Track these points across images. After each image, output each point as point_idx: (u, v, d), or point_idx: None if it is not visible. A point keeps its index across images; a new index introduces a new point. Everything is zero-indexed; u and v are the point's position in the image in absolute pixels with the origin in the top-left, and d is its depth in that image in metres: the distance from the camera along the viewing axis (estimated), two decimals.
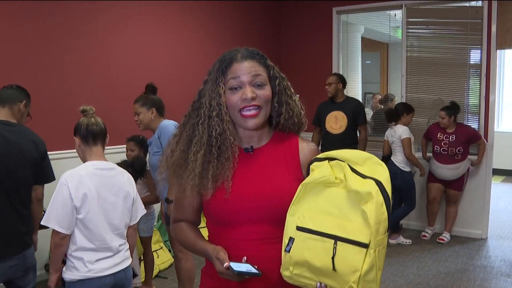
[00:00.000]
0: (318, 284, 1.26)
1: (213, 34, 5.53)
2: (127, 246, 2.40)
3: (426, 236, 5.35)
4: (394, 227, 5.04)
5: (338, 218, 1.24)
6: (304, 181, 1.31)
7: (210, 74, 1.42)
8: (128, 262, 2.38)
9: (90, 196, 2.20)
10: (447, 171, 5.09)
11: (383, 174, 1.27)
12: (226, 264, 1.28)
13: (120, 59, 4.54)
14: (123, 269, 2.33)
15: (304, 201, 1.30)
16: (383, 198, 1.22)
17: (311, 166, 1.34)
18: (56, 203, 2.17)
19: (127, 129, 4.03)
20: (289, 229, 1.29)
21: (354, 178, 1.25)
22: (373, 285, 1.21)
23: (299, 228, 1.27)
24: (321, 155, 1.35)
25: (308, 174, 1.36)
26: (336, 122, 5.10)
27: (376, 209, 1.19)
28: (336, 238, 1.21)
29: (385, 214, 1.21)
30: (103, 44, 4.38)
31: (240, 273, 1.25)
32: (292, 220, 1.30)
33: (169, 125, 3.21)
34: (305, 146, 1.47)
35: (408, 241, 4.97)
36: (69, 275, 2.22)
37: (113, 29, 4.47)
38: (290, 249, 1.27)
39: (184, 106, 1.48)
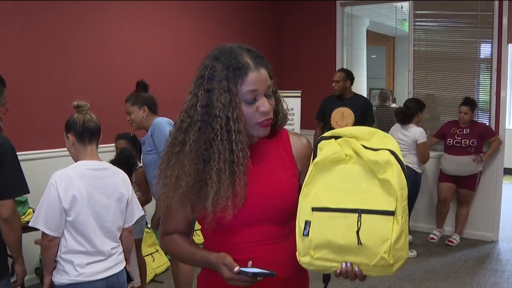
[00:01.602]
0: (344, 264, 1.23)
1: (210, 27, 5.51)
2: (120, 249, 2.38)
3: (434, 239, 5.34)
4: None
5: (356, 192, 1.23)
6: (315, 160, 1.30)
7: (213, 80, 1.31)
8: (121, 266, 2.35)
9: (79, 198, 2.18)
10: (458, 166, 5.08)
11: (393, 144, 1.29)
12: (236, 268, 1.25)
13: (111, 54, 4.51)
14: (115, 274, 2.30)
15: (317, 181, 1.29)
16: (400, 165, 1.24)
17: (319, 145, 1.33)
18: (44, 204, 2.16)
19: (118, 126, 4.00)
20: (303, 212, 1.27)
21: (366, 151, 1.26)
22: (404, 253, 1.20)
23: (316, 209, 1.25)
24: (327, 134, 1.35)
25: (315, 156, 1.32)
26: (343, 119, 5.06)
27: (397, 174, 1.22)
28: (360, 211, 1.20)
29: (405, 181, 1.24)
30: (92, 39, 4.36)
31: (255, 275, 1.23)
32: (306, 202, 1.27)
33: (162, 122, 3.20)
34: (296, 140, 1.48)
35: (414, 254, 4.92)
36: (58, 278, 2.21)
37: (104, 23, 4.44)
38: (308, 232, 1.24)
39: (179, 103, 1.42)
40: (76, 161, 2.31)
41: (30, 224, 2.21)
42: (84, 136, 2.28)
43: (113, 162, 3.33)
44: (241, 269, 1.25)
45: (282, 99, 1.46)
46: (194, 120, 1.32)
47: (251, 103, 1.32)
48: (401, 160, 1.25)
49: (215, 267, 1.33)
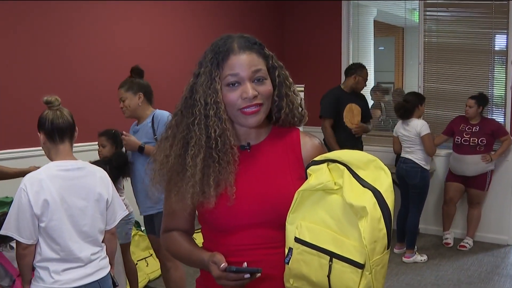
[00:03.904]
0: None
1: (209, 17, 5.49)
2: (103, 254, 2.34)
3: (450, 243, 5.31)
4: (410, 242, 4.93)
5: (335, 231, 1.24)
6: (300, 188, 1.31)
7: (201, 66, 1.39)
8: (104, 273, 2.31)
9: (52, 203, 2.13)
10: (466, 165, 5.07)
11: (384, 181, 1.25)
12: (223, 265, 1.27)
13: (97, 48, 4.45)
14: (97, 280, 2.26)
15: (302, 209, 1.31)
16: (382, 212, 1.20)
17: (308, 171, 1.34)
18: (14, 210, 2.12)
19: (104, 123, 3.96)
20: (289, 239, 1.32)
21: (351, 187, 1.23)
22: None
23: (297, 240, 1.29)
24: (319, 157, 1.34)
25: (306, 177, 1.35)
26: (353, 116, 5.01)
27: (371, 226, 1.18)
28: (332, 255, 1.22)
29: (383, 231, 1.20)
30: (78, 32, 4.29)
31: (239, 271, 1.26)
32: (291, 229, 1.32)
33: (166, 114, 3.21)
34: (308, 140, 1.47)
35: (424, 258, 4.91)
36: (35, 286, 2.19)
37: (89, 14, 4.35)
38: (289, 261, 1.30)
39: (173, 100, 1.44)
40: (50, 160, 2.27)
41: (1, 232, 2.18)
42: (53, 134, 2.23)
43: (104, 161, 3.31)
44: (227, 266, 1.27)
45: (292, 95, 1.45)
46: (181, 106, 1.42)
47: (234, 88, 1.35)
48: (386, 204, 1.21)
49: (207, 266, 1.35)
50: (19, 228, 2.11)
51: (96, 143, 3.72)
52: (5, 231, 2.14)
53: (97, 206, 2.30)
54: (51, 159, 2.27)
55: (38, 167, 2.98)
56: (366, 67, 5.10)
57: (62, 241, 2.17)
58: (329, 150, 1.33)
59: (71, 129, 2.29)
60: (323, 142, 1.52)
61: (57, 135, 2.23)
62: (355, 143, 4.96)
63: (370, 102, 6.22)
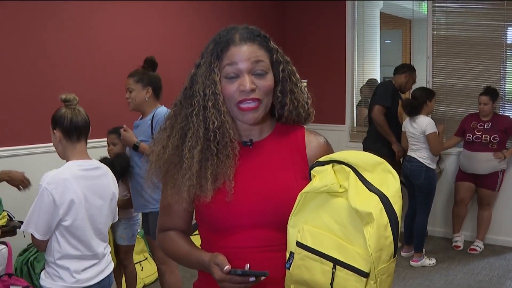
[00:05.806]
0: None
1: (208, 10, 5.49)
2: (109, 248, 2.49)
3: (459, 246, 5.30)
4: (418, 245, 4.92)
5: (339, 236, 1.23)
6: (303, 190, 1.31)
7: (203, 57, 1.41)
8: (111, 267, 2.47)
9: (77, 202, 2.24)
10: (477, 162, 5.06)
11: (392, 186, 1.24)
12: (227, 267, 1.27)
13: (101, 42, 4.45)
14: (107, 276, 2.42)
15: (305, 212, 1.31)
16: (389, 218, 1.19)
17: (312, 172, 1.33)
18: (36, 210, 2.19)
19: (111, 120, 3.96)
20: (291, 243, 1.32)
21: (357, 191, 1.22)
22: None
23: (299, 244, 1.29)
24: (324, 158, 1.33)
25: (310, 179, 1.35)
26: (400, 113, 5.18)
27: (377, 233, 1.17)
28: (335, 262, 1.22)
29: (390, 238, 1.19)
30: (80, 25, 4.28)
31: (245, 273, 1.25)
32: (293, 232, 1.31)
33: (164, 112, 3.19)
34: (313, 139, 1.47)
35: (433, 262, 4.91)
36: (51, 284, 2.26)
37: (92, 8, 4.35)
38: (290, 266, 1.30)
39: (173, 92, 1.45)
40: (63, 158, 2.36)
41: (22, 229, 2.31)
42: (71, 133, 2.32)
43: (106, 161, 3.31)
44: (231, 269, 1.27)
45: (298, 92, 1.44)
46: (181, 97, 1.44)
47: (232, 80, 1.35)
48: (393, 210, 1.20)
49: (208, 268, 1.35)
50: (38, 227, 2.19)
51: (98, 140, 3.70)
52: (25, 227, 2.23)
53: (111, 205, 2.44)
54: (66, 158, 2.35)
55: (20, 172, 2.94)
56: (373, 62, 5.18)
57: (85, 239, 2.29)
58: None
59: (88, 128, 2.40)
60: (328, 141, 1.50)
61: (75, 133, 2.32)
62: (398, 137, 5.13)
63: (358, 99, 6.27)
